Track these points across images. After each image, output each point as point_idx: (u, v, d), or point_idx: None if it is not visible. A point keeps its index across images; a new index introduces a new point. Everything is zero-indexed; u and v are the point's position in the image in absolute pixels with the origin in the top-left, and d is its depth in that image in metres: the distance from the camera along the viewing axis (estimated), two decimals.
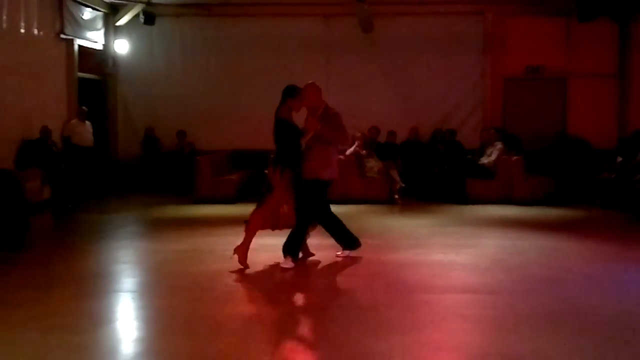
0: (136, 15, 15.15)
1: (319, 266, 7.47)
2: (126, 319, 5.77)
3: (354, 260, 7.95)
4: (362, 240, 9.19)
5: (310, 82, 7.60)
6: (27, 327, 5.27)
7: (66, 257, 8.27)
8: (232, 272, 7.08)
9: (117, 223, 11.20)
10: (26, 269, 7.58)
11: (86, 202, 13.03)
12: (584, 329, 5.25)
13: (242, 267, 7.19)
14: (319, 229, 7.82)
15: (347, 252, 7.82)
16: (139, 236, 10.10)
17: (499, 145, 13.52)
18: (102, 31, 15.23)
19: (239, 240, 7.43)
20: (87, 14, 14.53)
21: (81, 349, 4.81)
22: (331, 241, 8.99)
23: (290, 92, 7.46)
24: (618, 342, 4.95)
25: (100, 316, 5.71)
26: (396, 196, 13.20)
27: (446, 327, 5.35)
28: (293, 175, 7.33)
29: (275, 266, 7.29)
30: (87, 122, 13.97)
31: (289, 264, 7.22)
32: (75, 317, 5.58)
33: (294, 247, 7.34)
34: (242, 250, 7.26)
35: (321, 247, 8.56)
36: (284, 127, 7.38)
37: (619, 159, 12.78)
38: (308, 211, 7.40)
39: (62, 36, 13.70)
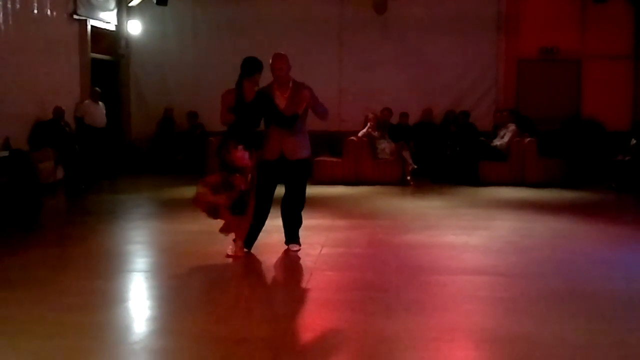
0: None
1: (330, 248, 7.46)
2: (139, 298, 5.80)
3: (365, 241, 7.96)
4: (374, 222, 9.25)
5: (278, 52, 7.10)
6: (40, 306, 5.30)
7: (79, 237, 8.31)
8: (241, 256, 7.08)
9: (130, 203, 11.25)
10: (39, 249, 7.61)
11: (99, 182, 13.08)
12: (597, 311, 5.23)
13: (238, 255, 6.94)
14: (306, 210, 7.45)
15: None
16: (151, 216, 10.15)
17: (512, 127, 13.46)
18: (114, 12, 15.21)
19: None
20: None
21: (95, 327, 4.84)
22: (342, 222, 9.02)
23: (260, 66, 6.84)
24: (631, 323, 4.93)
25: (114, 296, 5.75)
26: (408, 178, 13.18)
27: (458, 308, 5.34)
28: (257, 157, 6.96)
29: (287, 248, 7.27)
30: (100, 102, 14.00)
31: (296, 247, 7.20)
32: (89, 296, 5.61)
33: (297, 231, 7.30)
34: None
35: (332, 228, 8.58)
36: (269, 102, 6.90)
37: (633, 141, 12.70)
38: (303, 192, 7.20)
39: (75, 17, 13.70)
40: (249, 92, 6.84)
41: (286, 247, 7.21)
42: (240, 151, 6.76)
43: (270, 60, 7.03)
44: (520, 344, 4.50)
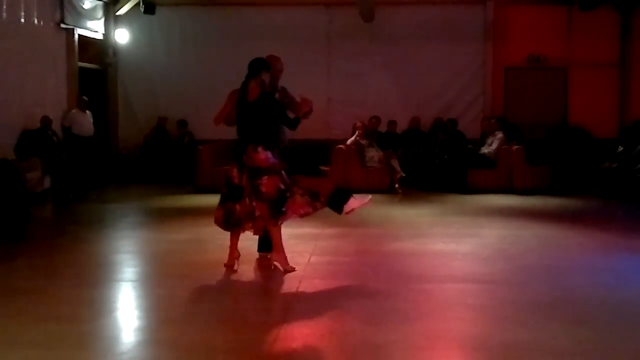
0: (136, 5, 15.12)
1: (318, 256, 7.45)
2: (127, 308, 5.77)
3: (354, 249, 7.95)
4: (363, 230, 9.24)
5: (271, 54, 7.22)
6: (28, 316, 5.27)
7: (67, 247, 8.28)
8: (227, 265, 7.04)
9: (118, 213, 11.21)
10: (27, 259, 7.57)
11: (87, 192, 13.03)
12: (585, 318, 5.25)
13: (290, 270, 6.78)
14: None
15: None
16: (139, 226, 10.11)
17: (499, 134, 13.52)
18: (102, 21, 15.20)
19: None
20: (87, 3, 14.50)
21: (83, 337, 4.82)
22: (330, 231, 9.01)
23: (267, 65, 6.84)
24: (619, 330, 4.95)
25: (102, 305, 5.72)
26: (397, 186, 13.19)
27: (447, 316, 5.34)
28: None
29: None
30: (87, 111, 13.96)
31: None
32: (77, 306, 5.58)
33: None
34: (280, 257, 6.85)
35: (320, 236, 8.57)
36: (273, 102, 6.80)
37: (620, 148, 12.78)
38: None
39: (63, 26, 13.68)
40: (253, 91, 6.73)
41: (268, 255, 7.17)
42: (261, 152, 6.59)
43: (273, 61, 7.08)
44: (508, 351, 4.50)
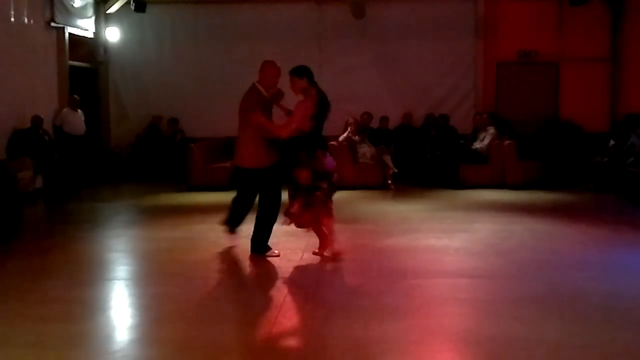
0: (127, 3, 15.06)
1: (311, 253, 7.45)
2: (120, 306, 5.76)
3: (347, 246, 7.96)
4: (355, 226, 9.25)
5: (267, 59, 7.41)
6: (21, 316, 5.27)
7: (59, 246, 8.26)
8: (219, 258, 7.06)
9: (110, 211, 11.19)
10: (19, 259, 7.55)
11: (79, 191, 13.00)
12: (576, 312, 5.28)
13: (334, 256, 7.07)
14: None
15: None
16: (132, 224, 10.09)
17: (491, 130, 13.53)
18: (92, 19, 15.13)
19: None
20: (78, 1, 14.43)
21: (76, 337, 4.82)
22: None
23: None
24: (610, 324, 4.97)
25: (95, 304, 5.71)
26: (389, 182, 13.21)
27: (440, 311, 5.36)
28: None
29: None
30: (79, 110, 13.92)
31: (274, 253, 7.22)
32: (70, 305, 5.58)
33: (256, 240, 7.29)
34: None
35: (313, 233, 8.56)
36: (327, 104, 7.18)
37: (612, 142, 12.81)
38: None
39: (53, 24, 13.62)
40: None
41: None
42: (328, 156, 7.02)
43: (271, 67, 7.31)
44: (501, 346, 4.52)
